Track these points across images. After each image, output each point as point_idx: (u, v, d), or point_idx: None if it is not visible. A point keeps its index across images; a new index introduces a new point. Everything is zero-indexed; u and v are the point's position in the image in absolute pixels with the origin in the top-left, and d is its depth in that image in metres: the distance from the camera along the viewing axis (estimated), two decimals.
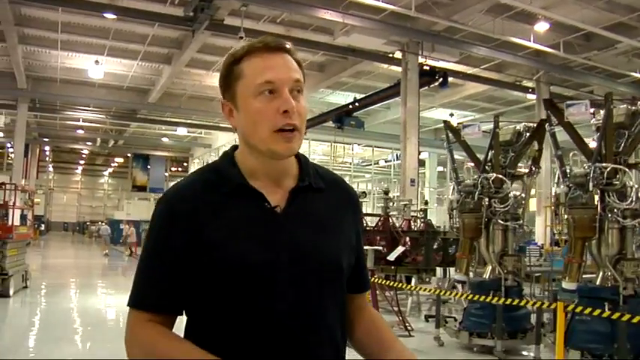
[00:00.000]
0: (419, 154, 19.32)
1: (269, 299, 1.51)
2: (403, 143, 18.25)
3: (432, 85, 20.19)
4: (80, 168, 68.20)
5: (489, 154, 8.59)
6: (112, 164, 63.94)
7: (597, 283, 6.91)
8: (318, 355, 1.57)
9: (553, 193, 8.54)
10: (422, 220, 14.58)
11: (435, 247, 12.73)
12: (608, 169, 6.68)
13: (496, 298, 7.46)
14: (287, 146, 1.54)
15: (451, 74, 20.91)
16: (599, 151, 7.03)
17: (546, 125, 7.99)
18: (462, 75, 22.34)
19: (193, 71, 24.52)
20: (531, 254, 14.11)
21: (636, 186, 6.82)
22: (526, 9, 16.54)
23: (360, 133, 29.27)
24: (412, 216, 14.20)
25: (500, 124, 8.64)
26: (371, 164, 38.65)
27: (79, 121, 34.24)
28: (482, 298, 7.57)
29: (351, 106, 24.49)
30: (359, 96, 24.59)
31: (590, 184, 6.66)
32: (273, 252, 1.53)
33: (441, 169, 38.70)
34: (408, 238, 12.49)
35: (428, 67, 19.33)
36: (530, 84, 23.68)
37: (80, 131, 38.10)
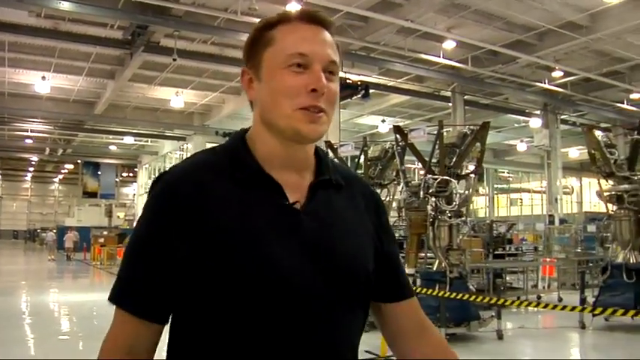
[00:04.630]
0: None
1: (303, 317, 1.27)
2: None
3: (354, 98, 22.11)
4: (30, 175, 68.02)
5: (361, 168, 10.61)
6: (62, 171, 63.96)
7: (434, 268, 8.91)
8: None
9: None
10: None
11: None
12: (438, 180, 8.67)
13: None
14: (312, 127, 1.32)
15: (374, 86, 22.86)
16: (430, 166, 8.97)
17: (394, 146, 9.95)
18: (383, 87, 24.37)
19: (137, 85, 25.85)
20: None
21: (460, 192, 8.82)
22: (429, 31, 18.53)
23: None
24: None
25: (368, 143, 10.62)
26: None
27: (27, 131, 35.22)
28: None
29: None
30: None
31: (421, 192, 8.64)
32: (296, 253, 1.29)
33: None
34: None
35: (350, 81, 21.22)
36: (448, 94, 25.78)
37: (29, 141, 38.99)
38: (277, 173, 1.35)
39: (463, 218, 8.89)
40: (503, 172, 50.08)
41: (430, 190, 8.56)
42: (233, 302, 1.26)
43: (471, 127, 9.49)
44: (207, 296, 1.27)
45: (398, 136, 9.69)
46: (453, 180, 8.73)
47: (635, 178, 9.94)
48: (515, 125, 33.19)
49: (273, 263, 1.27)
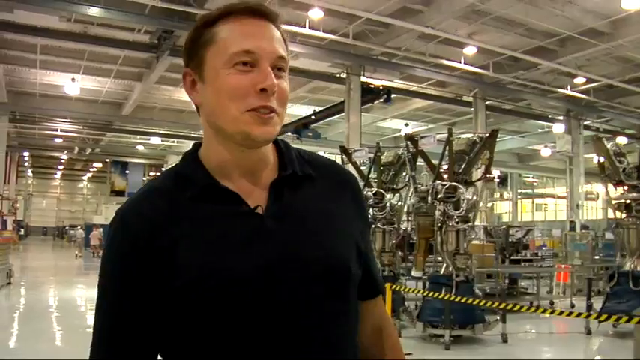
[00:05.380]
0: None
1: (272, 324, 1.21)
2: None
3: (376, 102, 22.38)
4: (59, 173, 68.57)
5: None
6: (91, 169, 64.39)
7: (442, 272, 9.19)
8: None
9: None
10: None
11: None
12: (447, 187, 8.95)
13: None
14: (263, 130, 1.24)
15: (396, 91, 23.13)
16: (439, 172, 9.26)
17: (405, 152, 10.26)
18: (405, 92, 24.61)
19: (163, 87, 26.36)
20: None
21: (469, 198, 9.08)
22: (450, 38, 18.74)
23: (321, 143, 31.39)
24: None
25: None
26: None
27: (57, 131, 35.81)
28: None
29: (310, 119, 26.63)
30: (318, 109, 26.73)
31: (429, 198, 8.92)
32: (262, 265, 1.21)
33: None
34: None
35: (372, 86, 21.48)
36: (470, 99, 25.87)
37: (58, 140, 39.67)
38: (234, 181, 1.30)
39: (470, 224, 9.19)
40: (528, 177, 49.90)
41: (439, 196, 8.86)
42: (205, 321, 1.21)
43: (480, 135, 9.77)
44: (182, 322, 1.23)
45: (409, 142, 10.02)
46: (461, 186, 9.02)
47: None
48: (539, 131, 33.11)
49: (236, 279, 1.20)
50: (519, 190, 48.77)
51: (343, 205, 1.39)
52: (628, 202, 10.27)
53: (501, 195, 51.70)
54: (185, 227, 1.24)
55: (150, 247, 1.23)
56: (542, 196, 49.34)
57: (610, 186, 10.78)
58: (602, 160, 10.68)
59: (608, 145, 10.53)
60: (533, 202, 50.40)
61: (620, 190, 10.57)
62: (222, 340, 1.21)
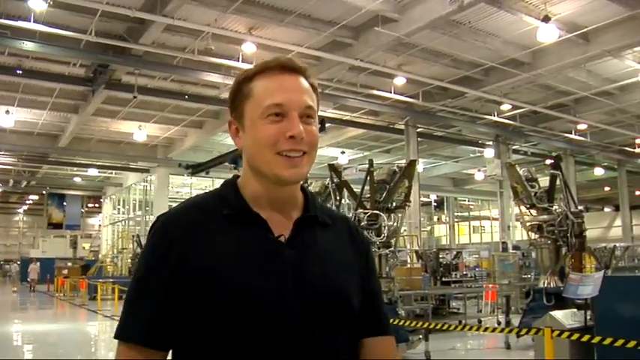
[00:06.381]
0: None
1: (275, 337, 1.38)
2: None
3: None
4: None
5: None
6: (27, 202, 62.93)
7: None
8: None
9: None
10: None
11: None
12: (369, 214, 9.48)
13: None
14: (292, 171, 1.45)
15: (330, 121, 23.71)
16: (361, 201, 9.80)
17: (328, 183, 10.79)
18: (339, 121, 25.25)
19: (100, 119, 26.20)
20: None
21: (390, 224, 9.64)
22: (379, 70, 19.49)
23: None
24: None
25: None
26: None
27: None
28: None
29: None
30: None
31: None
32: (276, 283, 1.41)
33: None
34: None
35: None
36: (402, 127, 26.63)
37: None
38: (264, 212, 1.48)
39: (392, 248, 9.74)
40: (464, 201, 51.21)
41: (361, 224, 9.37)
42: (219, 324, 1.38)
43: (400, 165, 10.36)
44: (198, 322, 1.41)
45: (333, 173, 10.54)
46: (382, 214, 9.57)
47: (553, 209, 10.89)
48: (472, 155, 34.16)
49: (252, 291, 1.39)
50: (456, 213, 49.96)
51: (352, 253, 1.59)
52: (539, 223, 10.99)
53: (439, 218, 52.96)
54: (215, 240, 1.45)
55: (183, 249, 1.43)
56: (478, 218, 50.69)
57: (524, 208, 11.49)
58: (515, 184, 11.40)
59: (521, 171, 11.27)
60: (470, 225, 51.65)
61: (533, 212, 11.29)
62: (224, 343, 1.39)
